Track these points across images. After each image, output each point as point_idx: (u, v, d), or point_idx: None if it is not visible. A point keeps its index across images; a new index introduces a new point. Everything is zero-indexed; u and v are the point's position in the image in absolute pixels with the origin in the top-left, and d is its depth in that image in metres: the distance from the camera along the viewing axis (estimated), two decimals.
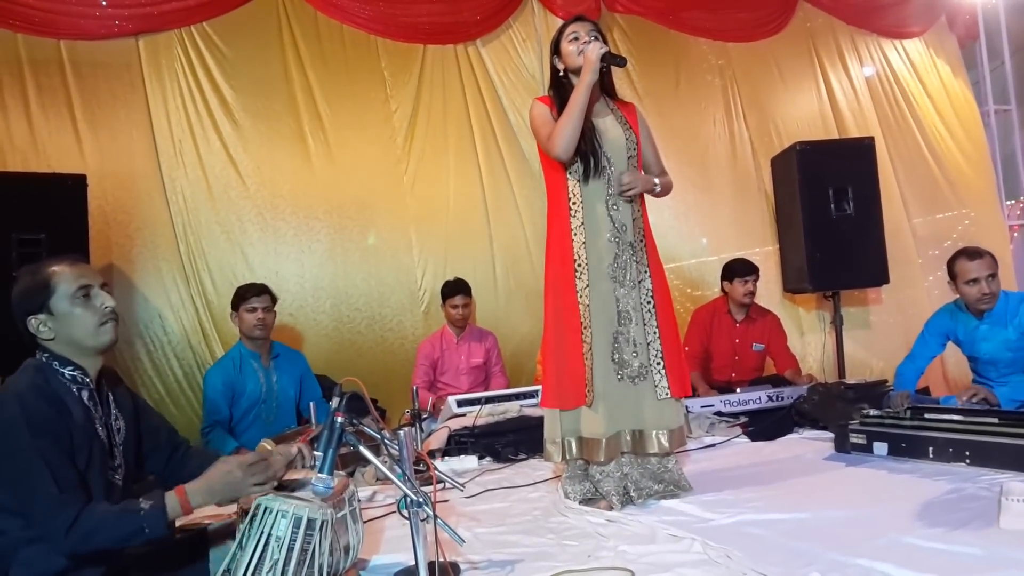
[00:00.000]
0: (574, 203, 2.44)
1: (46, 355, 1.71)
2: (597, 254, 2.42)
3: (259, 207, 4.40)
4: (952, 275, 3.27)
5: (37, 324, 1.69)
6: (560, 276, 2.44)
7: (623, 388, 2.41)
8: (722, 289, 4.44)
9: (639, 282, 2.46)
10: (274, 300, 3.75)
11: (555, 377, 2.45)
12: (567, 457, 2.44)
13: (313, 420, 3.22)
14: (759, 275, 4.37)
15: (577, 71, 2.44)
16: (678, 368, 2.50)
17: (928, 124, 5.89)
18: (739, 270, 4.34)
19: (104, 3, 4.15)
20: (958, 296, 3.32)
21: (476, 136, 4.89)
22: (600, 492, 2.43)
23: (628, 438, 2.42)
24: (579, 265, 2.42)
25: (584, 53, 2.39)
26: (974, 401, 3.14)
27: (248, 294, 3.66)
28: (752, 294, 4.33)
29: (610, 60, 2.41)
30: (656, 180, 2.55)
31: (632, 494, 2.42)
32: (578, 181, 2.43)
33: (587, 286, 2.41)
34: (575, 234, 2.43)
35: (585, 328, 2.40)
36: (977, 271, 3.19)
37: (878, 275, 4.76)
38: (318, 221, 4.52)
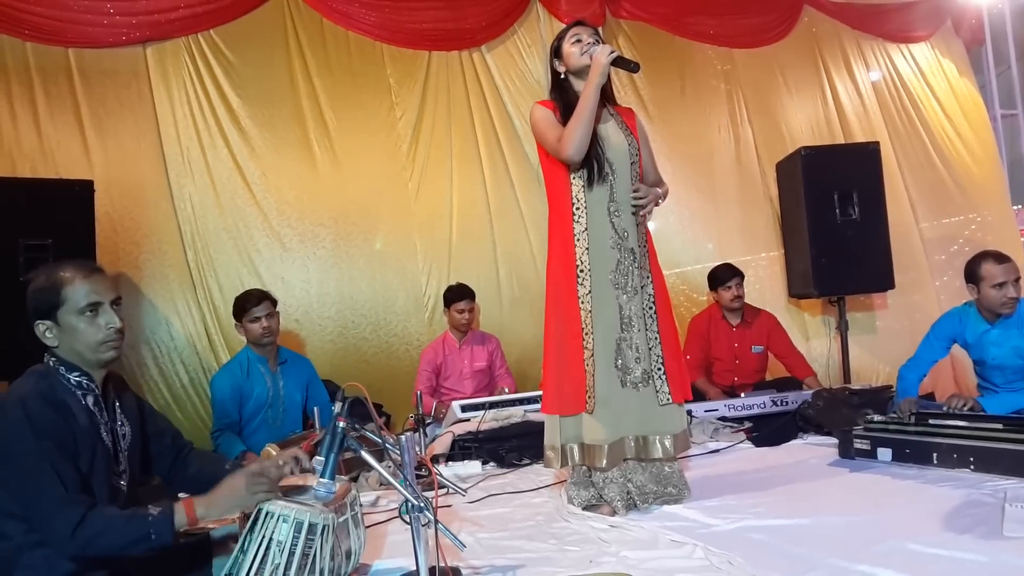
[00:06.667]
0: (577, 209, 2.44)
1: (53, 359, 1.73)
2: (600, 260, 2.41)
3: (265, 214, 4.42)
4: (975, 278, 3.18)
5: (44, 329, 1.72)
6: (562, 282, 2.44)
7: (626, 394, 2.41)
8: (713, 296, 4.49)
9: (641, 288, 2.47)
10: (274, 303, 3.71)
11: (556, 383, 2.45)
12: (568, 464, 2.44)
13: (317, 424, 3.24)
14: (743, 277, 4.39)
15: (579, 72, 2.44)
16: (678, 374, 2.50)
17: (936, 128, 5.86)
18: (722, 277, 4.37)
19: (112, 11, 4.18)
20: (971, 299, 3.27)
21: (480, 142, 4.90)
22: (604, 498, 2.43)
23: (632, 444, 2.43)
24: (581, 271, 2.41)
25: (592, 55, 2.37)
26: (964, 407, 3.07)
27: (248, 304, 3.60)
28: (739, 298, 4.34)
29: (622, 64, 2.38)
30: (659, 191, 2.56)
31: (636, 499, 2.42)
32: (583, 187, 2.43)
33: (589, 292, 2.40)
34: (578, 240, 2.42)
35: (587, 334, 2.39)
36: (1004, 275, 3.13)
37: (883, 280, 4.74)
38: (323, 227, 4.53)
